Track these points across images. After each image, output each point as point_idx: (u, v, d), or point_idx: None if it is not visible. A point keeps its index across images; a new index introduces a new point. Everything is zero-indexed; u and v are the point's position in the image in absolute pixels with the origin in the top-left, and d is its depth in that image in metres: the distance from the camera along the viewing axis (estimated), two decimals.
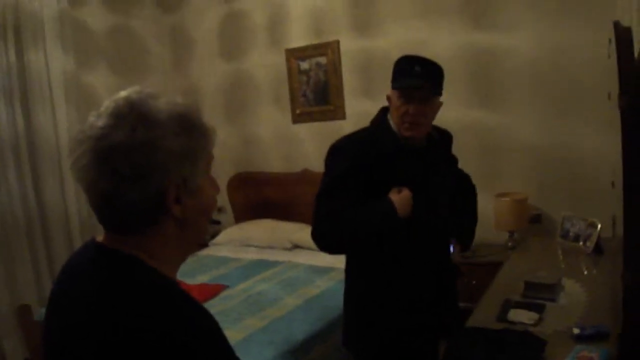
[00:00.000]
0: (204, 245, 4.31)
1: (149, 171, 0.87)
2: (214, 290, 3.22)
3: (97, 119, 0.89)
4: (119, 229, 0.92)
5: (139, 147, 0.87)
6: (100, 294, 0.87)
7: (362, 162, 1.88)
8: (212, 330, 0.90)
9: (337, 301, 2.31)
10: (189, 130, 0.93)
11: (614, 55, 1.59)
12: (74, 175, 0.91)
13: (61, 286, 0.97)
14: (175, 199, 0.91)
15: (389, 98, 1.98)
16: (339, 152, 1.98)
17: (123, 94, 0.92)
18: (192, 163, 0.93)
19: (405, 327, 1.93)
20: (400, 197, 1.83)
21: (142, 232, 0.92)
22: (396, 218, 1.81)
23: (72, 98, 4.04)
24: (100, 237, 0.96)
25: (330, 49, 4.14)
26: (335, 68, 4.15)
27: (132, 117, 0.88)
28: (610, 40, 2.07)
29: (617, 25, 1.65)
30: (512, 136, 3.48)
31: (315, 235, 1.91)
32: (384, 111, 2.06)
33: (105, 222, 0.92)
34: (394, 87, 1.94)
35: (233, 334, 2.55)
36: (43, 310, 3.04)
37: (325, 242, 1.92)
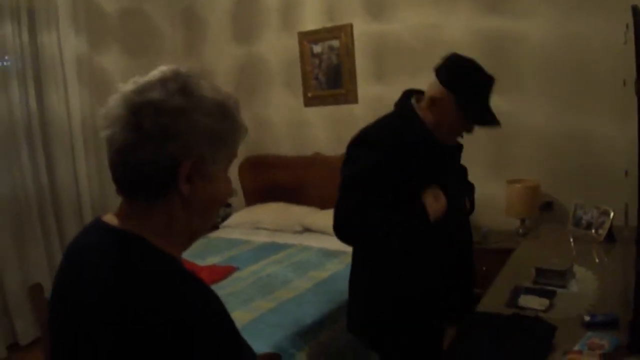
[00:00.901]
0: (215, 227, 4.33)
1: (171, 135, 0.88)
2: (224, 271, 3.24)
3: (140, 79, 0.92)
4: (129, 190, 0.93)
5: (169, 110, 0.88)
6: (110, 276, 0.87)
7: (394, 155, 1.78)
8: (216, 313, 0.90)
9: (347, 284, 2.32)
10: (222, 117, 0.94)
11: (631, 41, 1.57)
12: (102, 124, 0.91)
13: (69, 267, 0.97)
14: (187, 177, 0.90)
15: (436, 100, 1.84)
16: (370, 142, 1.85)
17: (172, 66, 0.94)
18: (214, 146, 0.93)
19: (413, 316, 1.92)
20: (438, 206, 1.79)
21: (148, 206, 0.92)
22: (428, 225, 1.78)
23: (85, 80, 4.06)
24: (107, 216, 0.96)
25: (343, 33, 4.11)
26: (348, 51, 4.12)
27: (174, 84, 0.90)
28: (627, 26, 2.04)
29: (635, 9, 1.62)
30: (525, 122, 3.46)
31: (338, 229, 1.83)
32: (408, 97, 1.95)
33: (118, 182, 0.93)
34: (475, 121, 1.85)
35: (243, 315, 2.57)
36: None
37: (349, 237, 1.86)
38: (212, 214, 1.01)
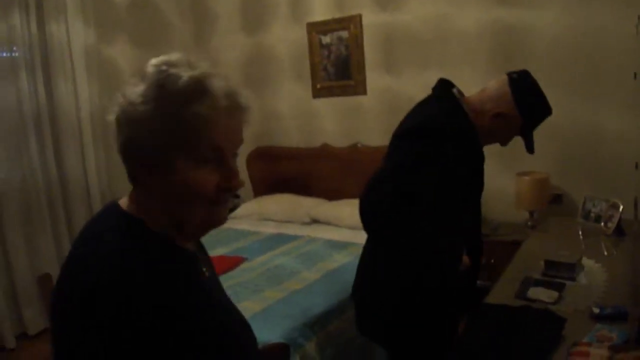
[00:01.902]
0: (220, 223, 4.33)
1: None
2: (233, 262, 3.25)
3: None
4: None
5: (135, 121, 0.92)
6: (97, 256, 0.89)
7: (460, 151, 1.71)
8: (186, 306, 0.90)
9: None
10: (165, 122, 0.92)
11: None
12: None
13: (74, 248, 0.99)
14: (148, 170, 0.93)
15: (505, 116, 1.80)
16: (440, 134, 1.69)
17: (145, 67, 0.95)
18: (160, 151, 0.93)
19: (430, 316, 1.82)
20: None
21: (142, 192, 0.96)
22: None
23: (93, 70, 4.07)
24: (122, 199, 1.00)
25: (352, 23, 4.10)
26: (357, 42, 4.11)
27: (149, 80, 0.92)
28: (639, 17, 2.03)
29: None
30: None
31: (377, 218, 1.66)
32: (448, 88, 1.87)
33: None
34: (527, 145, 1.90)
35: (252, 305, 2.58)
36: None
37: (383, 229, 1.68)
38: (192, 207, 0.96)
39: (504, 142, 1.93)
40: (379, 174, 1.70)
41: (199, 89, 0.91)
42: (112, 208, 0.98)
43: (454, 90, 1.85)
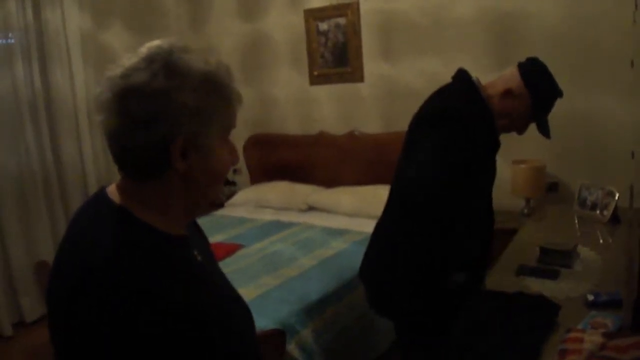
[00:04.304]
0: (221, 205, 4.34)
1: (158, 118, 0.88)
2: (229, 249, 3.26)
3: (127, 60, 0.91)
4: (128, 171, 0.95)
5: (153, 93, 0.88)
6: (77, 246, 0.91)
7: (476, 136, 1.78)
8: (171, 292, 0.90)
9: (352, 263, 2.34)
10: (210, 90, 0.94)
11: None
12: (95, 108, 0.93)
13: (66, 239, 0.98)
14: (181, 154, 0.92)
15: (514, 92, 1.86)
16: (460, 119, 1.77)
17: (158, 42, 0.94)
18: (204, 121, 0.93)
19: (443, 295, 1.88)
20: None
21: (146, 179, 0.94)
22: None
23: (89, 56, 4.06)
24: (110, 187, 1.00)
25: (349, 10, 4.08)
26: (354, 29, 4.09)
27: (158, 63, 0.90)
28: (636, 5, 2.02)
29: None
30: None
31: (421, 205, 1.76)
32: (468, 75, 1.93)
33: (116, 161, 0.95)
34: (539, 124, 1.94)
35: (248, 292, 2.59)
36: None
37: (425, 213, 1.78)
38: (215, 185, 1.01)
39: (520, 128, 1.95)
40: (416, 153, 1.81)
41: (229, 71, 0.97)
42: (101, 198, 0.98)
43: (474, 78, 1.91)
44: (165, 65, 0.90)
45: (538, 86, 1.86)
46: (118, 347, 0.82)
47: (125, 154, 0.92)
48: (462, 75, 1.94)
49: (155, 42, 0.93)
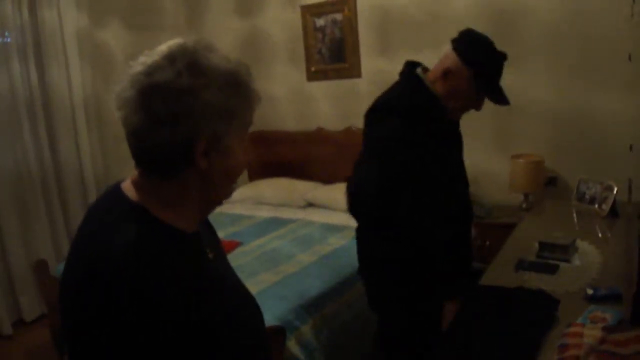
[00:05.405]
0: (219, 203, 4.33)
1: (183, 117, 0.88)
2: (228, 246, 3.25)
3: (147, 57, 0.91)
4: (147, 168, 0.94)
5: (179, 91, 0.88)
6: (93, 242, 0.90)
7: (414, 123, 1.81)
8: (189, 292, 0.90)
9: (351, 259, 2.33)
10: (233, 89, 0.94)
11: (638, 15, 1.54)
12: (115, 105, 0.91)
13: (80, 231, 0.98)
14: (203, 152, 0.91)
15: (451, 71, 1.86)
16: (390, 110, 1.88)
17: (179, 40, 0.93)
18: (227, 121, 0.93)
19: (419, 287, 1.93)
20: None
21: (164, 177, 0.93)
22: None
23: (86, 55, 4.04)
24: (125, 183, 0.99)
25: (346, 6, 4.07)
26: (351, 25, 4.08)
27: (182, 62, 0.89)
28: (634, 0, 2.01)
29: None
30: (530, 97, 3.43)
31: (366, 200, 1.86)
32: (412, 67, 1.96)
33: (136, 158, 0.94)
34: (489, 96, 1.89)
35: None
36: (59, 266, 3.11)
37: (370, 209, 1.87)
38: (231, 184, 1.02)
39: (474, 104, 1.93)
40: (359, 158, 1.91)
41: (249, 70, 0.99)
42: (117, 194, 0.97)
43: (418, 69, 1.92)
44: (189, 63, 0.89)
45: (474, 57, 1.84)
46: (131, 339, 0.83)
47: (145, 152, 0.91)
48: (405, 68, 1.97)
49: (177, 41, 0.93)
